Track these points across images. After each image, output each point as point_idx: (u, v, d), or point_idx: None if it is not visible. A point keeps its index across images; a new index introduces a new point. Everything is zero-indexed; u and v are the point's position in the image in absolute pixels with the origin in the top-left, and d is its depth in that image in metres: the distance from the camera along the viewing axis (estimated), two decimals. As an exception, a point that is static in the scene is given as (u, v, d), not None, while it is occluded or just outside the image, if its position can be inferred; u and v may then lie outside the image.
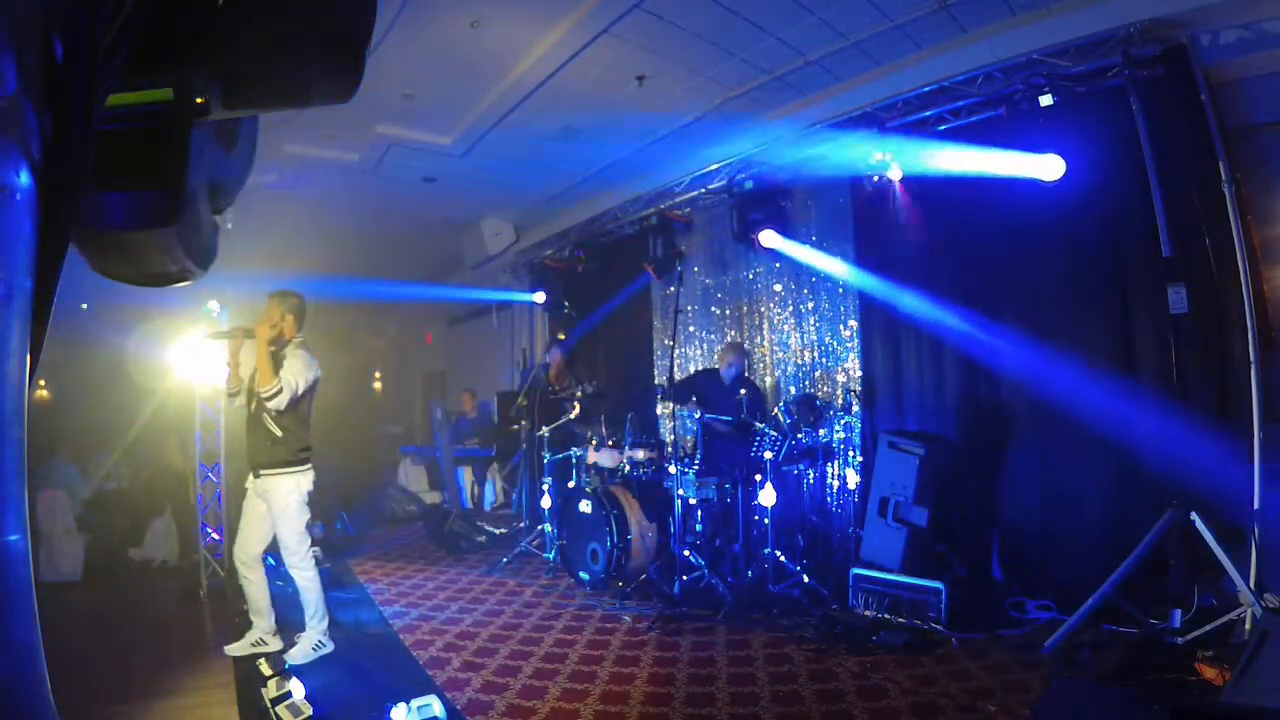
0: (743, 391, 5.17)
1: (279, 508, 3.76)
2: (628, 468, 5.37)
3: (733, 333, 6.67)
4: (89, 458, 7.53)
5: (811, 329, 5.94)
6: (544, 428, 6.08)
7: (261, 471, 3.80)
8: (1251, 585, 3.31)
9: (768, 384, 6.26)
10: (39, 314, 0.88)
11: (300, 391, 3.75)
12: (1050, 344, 4.54)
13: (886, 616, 4.15)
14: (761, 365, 6.36)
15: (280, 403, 3.67)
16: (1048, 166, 4.08)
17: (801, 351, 6.03)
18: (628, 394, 6.86)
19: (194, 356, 5.31)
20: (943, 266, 5.07)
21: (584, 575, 5.15)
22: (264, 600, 3.90)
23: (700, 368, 6.87)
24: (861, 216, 5.53)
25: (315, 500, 4.01)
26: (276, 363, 3.79)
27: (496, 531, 7.04)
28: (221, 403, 5.42)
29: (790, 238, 5.90)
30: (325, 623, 3.90)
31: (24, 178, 0.84)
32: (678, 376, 6.46)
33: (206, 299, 5.37)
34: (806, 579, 4.60)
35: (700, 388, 5.38)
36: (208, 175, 1.42)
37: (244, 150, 1.54)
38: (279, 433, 3.75)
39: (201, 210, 1.39)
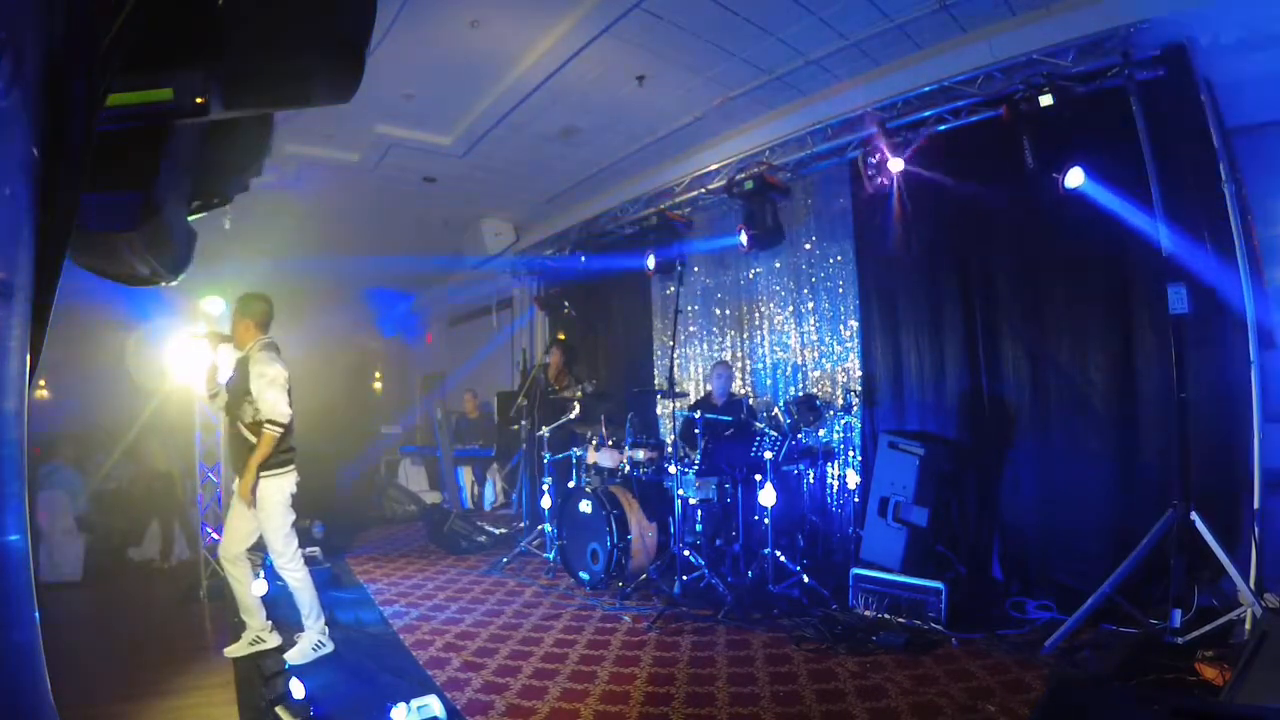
0: (741, 417, 5.27)
1: (263, 510, 3.76)
2: (628, 468, 5.37)
3: (732, 333, 6.67)
4: (89, 458, 7.53)
5: (811, 329, 5.94)
6: (544, 428, 6.09)
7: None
8: (1251, 585, 3.31)
9: (767, 385, 6.27)
10: (39, 314, 0.88)
11: (287, 390, 3.78)
12: (1050, 343, 4.56)
13: (886, 616, 4.15)
14: (762, 365, 6.36)
15: (279, 414, 3.69)
16: (1069, 176, 4.05)
17: (801, 351, 6.03)
18: (628, 394, 6.86)
19: (193, 358, 5.31)
20: (942, 266, 5.08)
21: (584, 575, 5.15)
22: (250, 598, 3.90)
23: (700, 374, 6.90)
24: (861, 216, 5.53)
25: (312, 500, 4.01)
26: (242, 368, 3.83)
27: (496, 531, 7.04)
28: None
29: (789, 237, 5.93)
30: (322, 621, 3.90)
31: (24, 178, 0.84)
32: (677, 377, 6.49)
33: (206, 300, 5.36)
34: (806, 579, 4.60)
35: (699, 424, 5.30)
36: (181, 189, 1.43)
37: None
38: (254, 439, 3.76)
39: (172, 220, 1.40)
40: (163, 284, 1.50)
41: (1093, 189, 4.05)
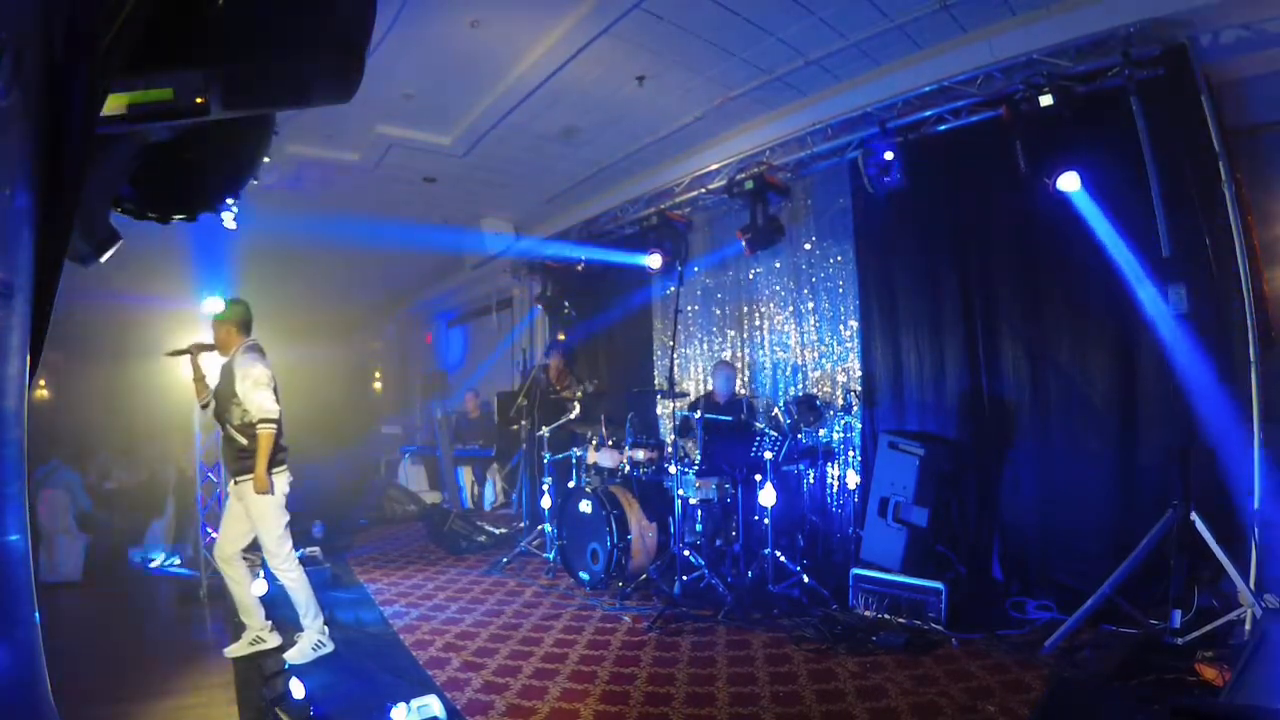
0: (742, 416, 5.29)
1: (256, 511, 3.77)
2: (628, 468, 5.37)
3: (732, 332, 6.67)
4: (89, 459, 7.53)
5: (811, 329, 5.94)
6: (544, 428, 6.09)
7: (237, 478, 3.83)
8: (1251, 585, 3.31)
9: (767, 385, 6.28)
10: (39, 314, 0.88)
11: (273, 388, 3.80)
12: (1050, 343, 4.56)
13: (886, 617, 4.15)
14: (762, 365, 6.37)
15: (269, 410, 3.71)
16: (1065, 180, 4.08)
17: (801, 351, 6.03)
18: (628, 394, 6.86)
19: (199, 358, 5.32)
20: (942, 266, 5.07)
21: (584, 575, 5.15)
22: (248, 598, 3.91)
23: (700, 374, 6.90)
24: (861, 217, 5.53)
25: (313, 500, 4.01)
26: (227, 372, 3.85)
27: (496, 531, 7.04)
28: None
29: (789, 237, 5.94)
30: (320, 620, 3.91)
31: (24, 178, 0.84)
32: (677, 377, 6.49)
33: (207, 299, 5.36)
34: (806, 579, 4.60)
35: (698, 424, 5.31)
36: (99, 189, 1.41)
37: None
38: (244, 440, 3.77)
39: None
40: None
41: (1080, 198, 4.07)
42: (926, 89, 4.76)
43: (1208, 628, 3.38)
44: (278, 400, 3.80)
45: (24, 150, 0.84)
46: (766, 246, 5.84)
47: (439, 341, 13.04)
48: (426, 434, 11.28)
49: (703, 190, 6.42)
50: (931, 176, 4.93)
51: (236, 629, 4.05)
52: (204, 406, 4.13)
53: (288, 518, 3.88)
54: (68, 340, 8.30)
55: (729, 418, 5.30)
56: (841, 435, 5.66)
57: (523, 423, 6.81)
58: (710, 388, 6.14)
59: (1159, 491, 3.85)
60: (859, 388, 5.55)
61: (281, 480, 3.82)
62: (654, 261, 6.71)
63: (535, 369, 6.97)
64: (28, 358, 0.87)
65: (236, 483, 3.85)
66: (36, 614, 0.87)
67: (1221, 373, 3.81)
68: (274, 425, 3.71)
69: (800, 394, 5.84)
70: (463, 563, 6.21)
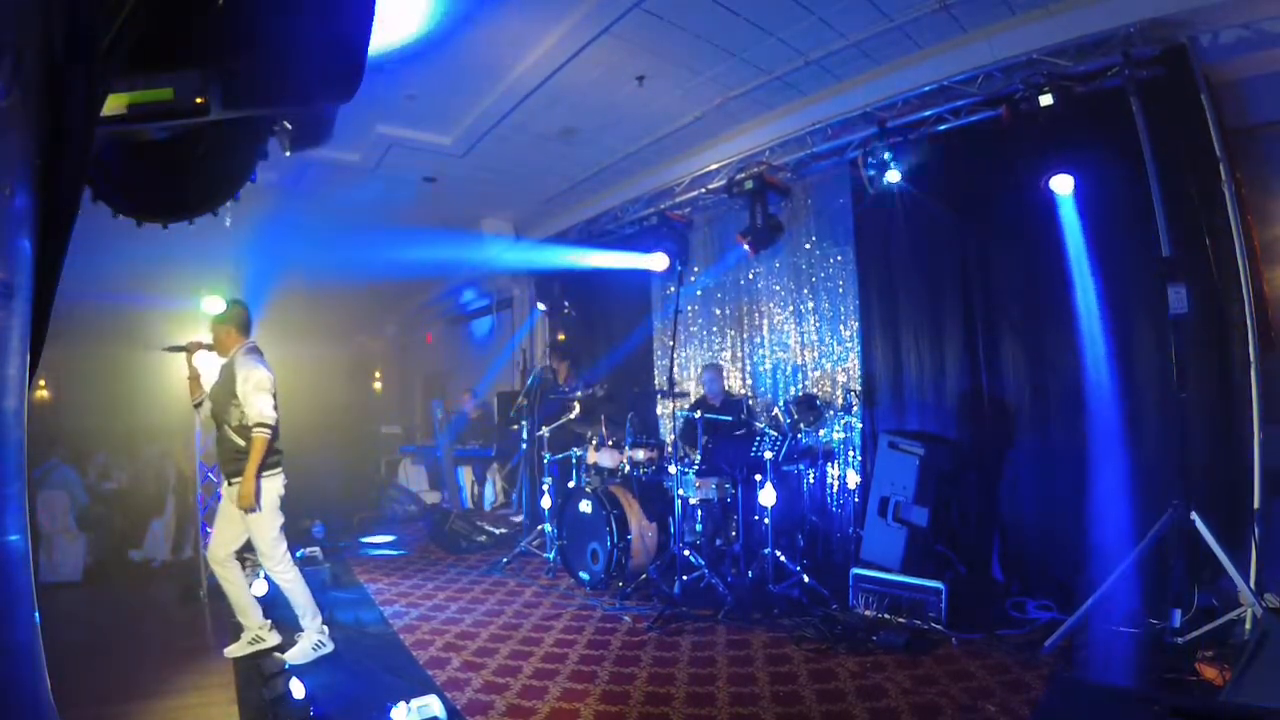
0: (741, 416, 5.33)
1: (251, 513, 3.75)
2: (628, 468, 5.37)
3: (732, 332, 6.67)
4: (88, 459, 7.52)
5: (811, 329, 5.94)
6: (544, 428, 6.09)
7: (231, 479, 3.82)
8: (1251, 585, 3.31)
9: (767, 385, 6.28)
10: (39, 314, 0.88)
11: (273, 393, 3.80)
12: (1050, 343, 4.55)
13: (887, 616, 4.15)
14: (762, 365, 6.36)
15: (267, 416, 3.71)
16: (1057, 183, 4.10)
17: (801, 351, 6.03)
18: (628, 394, 6.86)
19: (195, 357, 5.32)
20: (942, 266, 5.07)
21: (584, 575, 5.15)
22: (243, 598, 3.91)
23: (696, 374, 6.90)
24: (862, 216, 5.53)
25: (312, 500, 4.00)
26: (227, 373, 3.85)
27: (496, 531, 7.04)
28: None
29: (789, 237, 5.94)
30: (319, 620, 3.91)
31: (24, 178, 0.84)
32: (677, 377, 6.50)
33: (207, 299, 5.36)
34: (806, 579, 4.60)
35: (699, 424, 5.33)
36: None
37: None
38: (241, 442, 3.77)
39: None
40: None
41: (1067, 204, 4.09)
42: (926, 89, 4.76)
43: (1208, 627, 3.38)
44: (276, 406, 3.79)
45: (24, 150, 0.84)
46: (766, 246, 5.84)
47: (460, 333, 12.92)
48: (426, 433, 11.28)
49: (703, 190, 6.41)
50: (931, 176, 4.93)
51: (236, 629, 4.04)
52: (196, 406, 4.13)
53: (282, 520, 3.87)
54: (68, 340, 8.28)
55: (729, 418, 5.31)
56: (841, 435, 5.66)
57: (523, 423, 6.81)
58: (703, 392, 6.15)
59: (1159, 491, 3.85)
60: (859, 388, 5.55)
61: (275, 483, 3.81)
62: (658, 262, 6.69)
63: (539, 369, 6.98)
64: (28, 358, 0.87)
65: (231, 484, 3.83)
66: (36, 614, 0.87)
67: (1221, 373, 3.81)
68: (269, 431, 3.70)
69: (800, 394, 5.84)
70: (463, 563, 6.21)
